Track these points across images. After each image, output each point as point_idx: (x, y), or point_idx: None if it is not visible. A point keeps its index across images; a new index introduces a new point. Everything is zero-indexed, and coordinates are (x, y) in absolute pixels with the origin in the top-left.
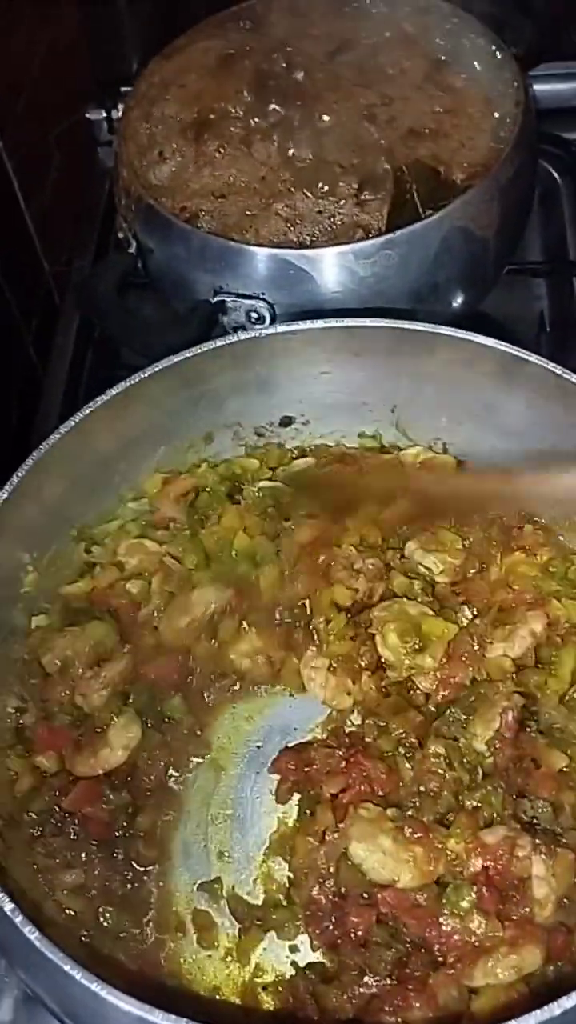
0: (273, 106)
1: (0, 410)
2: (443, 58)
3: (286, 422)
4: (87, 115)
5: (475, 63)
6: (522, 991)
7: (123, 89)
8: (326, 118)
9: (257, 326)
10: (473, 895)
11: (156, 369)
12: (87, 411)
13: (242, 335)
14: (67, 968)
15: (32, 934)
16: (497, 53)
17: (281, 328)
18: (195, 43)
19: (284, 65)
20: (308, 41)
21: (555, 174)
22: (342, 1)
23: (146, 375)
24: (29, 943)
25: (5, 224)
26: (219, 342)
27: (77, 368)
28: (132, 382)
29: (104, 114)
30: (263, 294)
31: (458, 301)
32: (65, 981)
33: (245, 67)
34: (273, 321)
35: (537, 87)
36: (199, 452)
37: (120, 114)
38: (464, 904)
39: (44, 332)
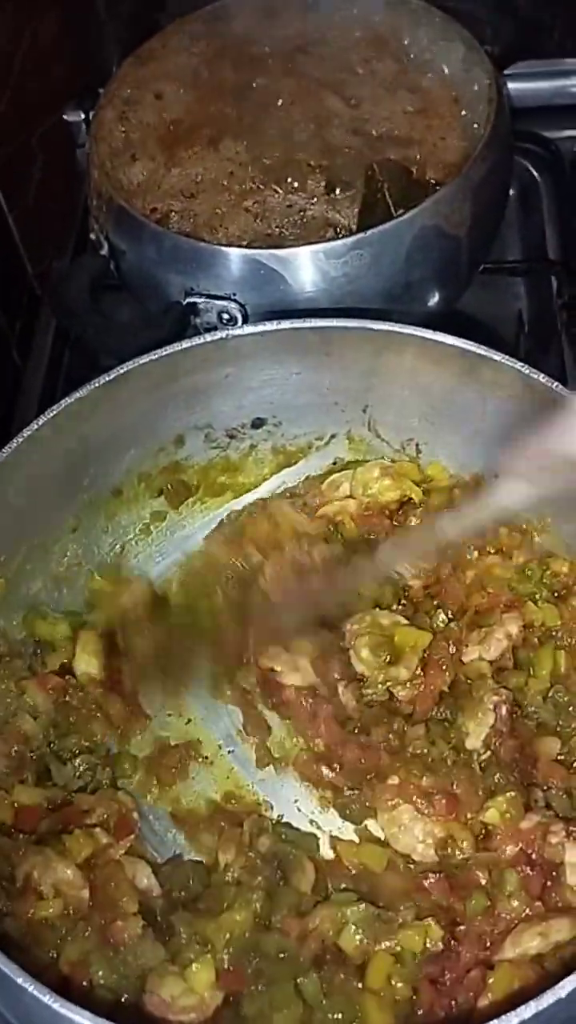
0: (244, 105)
1: None
2: (417, 56)
3: (258, 424)
4: (65, 116)
5: (449, 61)
6: (539, 972)
7: (100, 90)
8: (297, 117)
9: (229, 327)
10: (517, 876)
11: (122, 371)
12: (53, 412)
13: (211, 336)
14: (20, 981)
15: None
16: (471, 51)
17: (250, 329)
18: (167, 44)
19: (256, 64)
20: (280, 40)
21: (534, 172)
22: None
23: (112, 377)
24: None
25: None
26: (188, 343)
27: (55, 369)
28: (98, 384)
29: (82, 115)
30: (234, 295)
31: (433, 300)
32: (19, 994)
33: (217, 67)
34: (245, 322)
35: (517, 85)
36: (170, 455)
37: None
38: (509, 887)
39: (27, 334)
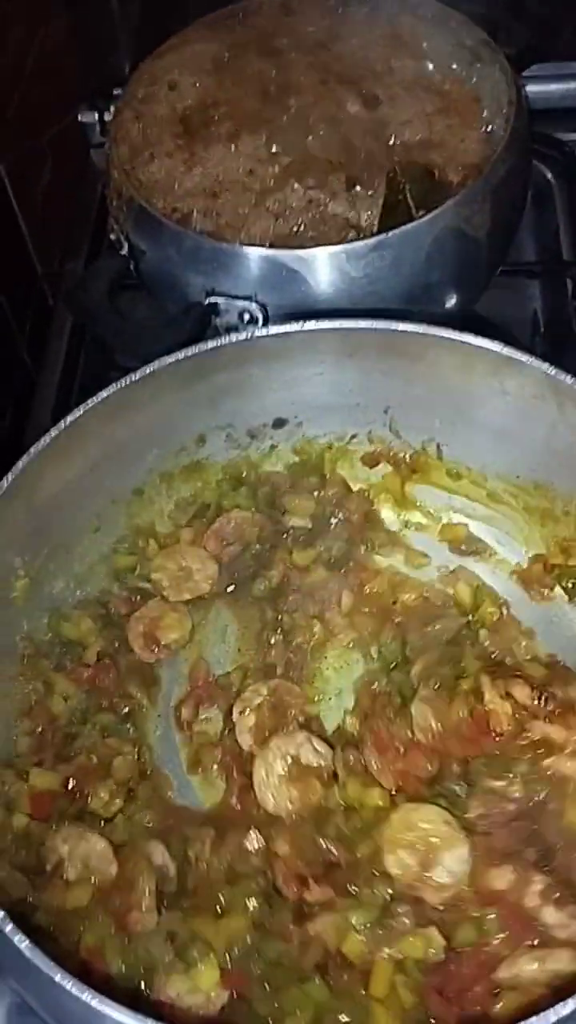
0: (264, 102)
1: None
2: (436, 57)
3: (279, 423)
4: (79, 117)
5: (468, 63)
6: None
7: (115, 91)
8: (318, 117)
9: (250, 327)
10: (498, 922)
11: (148, 371)
12: (79, 413)
13: (234, 337)
14: (57, 978)
15: (22, 943)
16: (490, 53)
17: (273, 330)
18: (186, 43)
19: (276, 64)
20: (300, 40)
21: (548, 175)
22: (334, 1)
23: (137, 378)
24: (20, 953)
25: None
26: (212, 344)
27: (70, 370)
28: (124, 384)
29: (96, 116)
30: (255, 295)
31: (451, 302)
32: (56, 991)
33: (236, 66)
34: (266, 322)
35: (531, 88)
36: (191, 454)
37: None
38: (492, 930)
39: (37, 334)
